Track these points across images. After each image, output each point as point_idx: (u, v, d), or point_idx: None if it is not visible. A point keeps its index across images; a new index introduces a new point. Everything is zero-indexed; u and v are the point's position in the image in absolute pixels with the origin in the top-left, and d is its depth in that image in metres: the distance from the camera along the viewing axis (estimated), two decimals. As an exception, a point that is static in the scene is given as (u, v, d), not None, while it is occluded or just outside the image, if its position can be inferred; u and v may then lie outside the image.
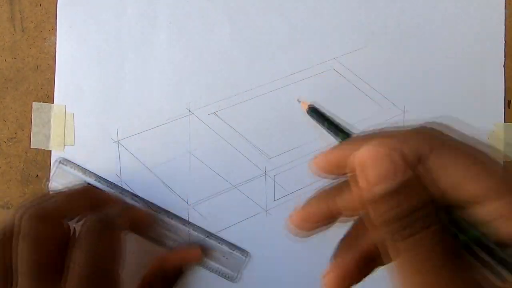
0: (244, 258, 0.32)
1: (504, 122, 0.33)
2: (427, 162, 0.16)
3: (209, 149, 0.33)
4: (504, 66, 0.33)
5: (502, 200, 0.14)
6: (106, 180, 0.32)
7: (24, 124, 0.33)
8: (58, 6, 0.33)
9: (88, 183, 0.31)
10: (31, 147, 0.33)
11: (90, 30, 0.33)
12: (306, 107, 0.25)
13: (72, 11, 0.33)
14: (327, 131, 0.23)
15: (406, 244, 0.15)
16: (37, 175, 0.33)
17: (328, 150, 0.19)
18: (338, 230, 0.32)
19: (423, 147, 0.16)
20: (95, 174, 0.32)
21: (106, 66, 0.33)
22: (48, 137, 0.33)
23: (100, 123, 0.33)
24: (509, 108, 0.33)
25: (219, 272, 0.31)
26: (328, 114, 0.24)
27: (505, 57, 0.33)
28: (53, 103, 0.33)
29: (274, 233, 0.32)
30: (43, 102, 0.33)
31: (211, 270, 0.31)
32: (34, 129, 0.33)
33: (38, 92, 0.33)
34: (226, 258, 0.31)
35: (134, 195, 0.32)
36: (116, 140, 0.33)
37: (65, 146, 0.33)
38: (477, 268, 0.16)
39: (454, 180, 0.15)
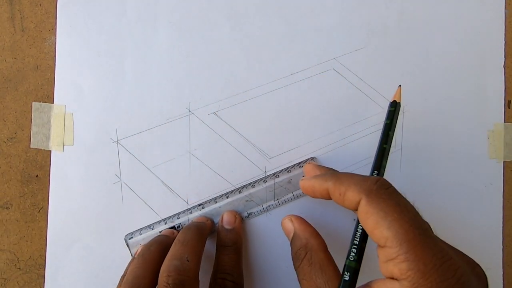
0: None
1: (504, 122, 0.33)
2: (362, 206, 0.21)
3: (209, 149, 0.33)
4: (504, 66, 0.33)
5: (393, 249, 0.19)
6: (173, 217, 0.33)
7: (24, 124, 0.33)
8: (58, 6, 0.33)
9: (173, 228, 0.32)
10: (31, 147, 0.33)
11: (90, 30, 0.33)
12: (398, 97, 0.27)
13: (72, 11, 0.33)
14: (384, 128, 0.26)
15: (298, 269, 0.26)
16: (37, 175, 0.33)
17: (306, 178, 0.27)
18: (337, 231, 0.32)
19: (362, 194, 0.21)
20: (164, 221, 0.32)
21: (106, 66, 0.33)
22: (48, 137, 0.33)
23: (99, 123, 0.33)
24: (509, 108, 0.33)
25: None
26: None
27: (505, 57, 0.33)
28: (53, 103, 0.33)
29: (274, 233, 0.32)
30: (43, 102, 0.33)
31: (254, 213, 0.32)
32: (34, 129, 0.33)
33: (38, 92, 0.33)
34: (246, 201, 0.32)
35: (199, 205, 0.33)
36: (116, 140, 0.33)
37: (65, 146, 0.33)
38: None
39: (371, 225, 0.21)
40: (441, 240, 0.21)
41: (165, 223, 0.32)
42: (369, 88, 0.33)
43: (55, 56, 0.33)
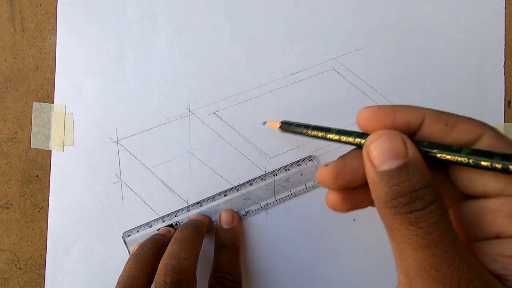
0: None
1: (504, 122, 0.33)
2: (485, 140, 0.17)
3: (209, 149, 0.33)
4: (504, 66, 0.33)
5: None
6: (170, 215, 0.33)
7: (24, 124, 0.33)
8: (58, 6, 0.33)
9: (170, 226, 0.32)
10: (31, 147, 0.33)
11: (90, 30, 0.33)
12: (278, 125, 0.27)
13: (72, 11, 0.33)
14: (313, 138, 0.23)
15: (406, 220, 0.15)
16: (37, 175, 0.33)
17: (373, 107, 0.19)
18: (337, 230, 0.32)
19: (486, 129, 0.18)
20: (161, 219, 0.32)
21: (106, 66, 0.33)
22: (48, 137, 0.33)
23: (99, 123, 0.33)
24: (509, 108, 0.33)
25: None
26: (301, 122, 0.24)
27: (505, 57, 0.33)
28: (53, 103, 0.33)
29: (274, 233, 0.32)
30: (43, 102, 0.33)
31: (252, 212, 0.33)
32: (34, 129, 0.33)
33: (38, 92, 0.33)
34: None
35: (196, 203, 0.33)
36: (116, 140, 0.33)
37: (65, 146, 0.33)
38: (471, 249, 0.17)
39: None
40: None
41: (163, 221, 0.32)
42: (369, 88, 0.33)
43: (55, 56, 0.33)
